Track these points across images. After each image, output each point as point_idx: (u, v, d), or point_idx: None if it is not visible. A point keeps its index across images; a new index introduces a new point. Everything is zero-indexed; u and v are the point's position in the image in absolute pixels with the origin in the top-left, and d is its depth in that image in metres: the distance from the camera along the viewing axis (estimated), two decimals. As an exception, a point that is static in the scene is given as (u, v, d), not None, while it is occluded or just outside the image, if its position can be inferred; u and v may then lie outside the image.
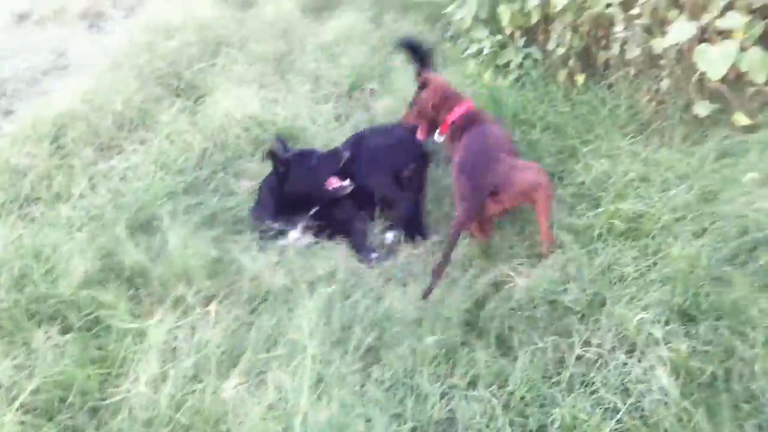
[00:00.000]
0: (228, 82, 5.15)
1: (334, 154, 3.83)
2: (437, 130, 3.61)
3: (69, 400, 2.59)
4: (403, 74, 4.89)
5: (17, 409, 2.51)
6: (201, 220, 3.67)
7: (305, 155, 3.83)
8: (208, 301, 3.08)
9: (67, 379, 2.64)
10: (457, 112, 3.55)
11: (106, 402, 2.61)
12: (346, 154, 3.78)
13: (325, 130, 4.47)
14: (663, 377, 2.30)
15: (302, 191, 3.75)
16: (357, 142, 3.98)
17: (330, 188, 3.76)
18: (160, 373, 2.61)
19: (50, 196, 3.95)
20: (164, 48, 5.63)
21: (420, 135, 3.66)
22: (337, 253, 3.45)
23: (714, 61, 3.45)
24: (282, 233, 3.67)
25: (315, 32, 6.07)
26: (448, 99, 3.60)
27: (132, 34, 6.14)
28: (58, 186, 4.00)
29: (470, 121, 3.49)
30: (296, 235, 3.69)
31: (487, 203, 3.13)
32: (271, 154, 3.71)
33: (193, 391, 2.57)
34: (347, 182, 3.76)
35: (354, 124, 4.56)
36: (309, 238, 3.68)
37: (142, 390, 2.53)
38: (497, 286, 3.05)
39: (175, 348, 2.78)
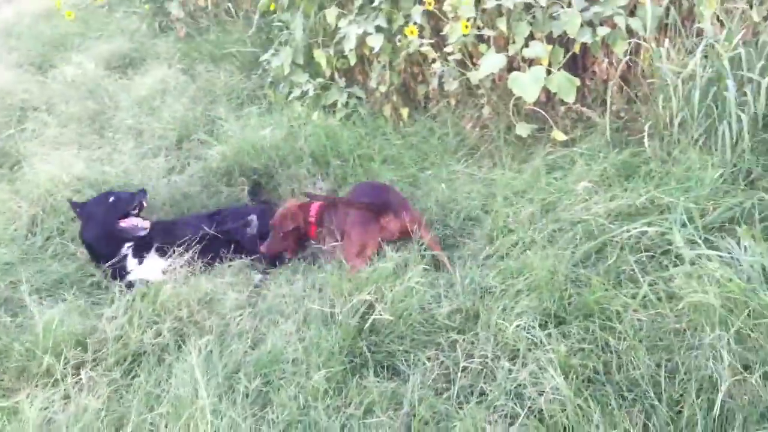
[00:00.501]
0: (43, 147, 4.92)
1: (130, 195, 3.92)
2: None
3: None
4: (230, 123, 4.89)
5: None
6: (48, 287, 3.47)
7: (102, 198, 3.93)
8: (77, 369, 2.90)
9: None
10: (314, 208, 3.79)
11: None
12: (142, 196, 3.90)
13: (162, 184, 4.36)
14: (554, 377, 2.46)
15: (98, 232, 3.80)
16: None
17: (125, 226, 3.81)
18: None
19: None
20: (-37, 118, 5.26)
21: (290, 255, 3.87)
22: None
23: (527, 86, 3.76)
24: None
25: (126, 88, 5.93)
26: (302, 206, 3.82)
27: None
28: None
29: (329, 206, 3.75)
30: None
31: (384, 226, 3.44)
32: (70, 203, 3.93)
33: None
34: (145, 223, 3.84)
35: (191, 173, 4.49)
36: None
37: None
38: (368, 313, 3.10)
39: (51, 420, 2.60)
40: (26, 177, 4.47)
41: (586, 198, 3.34)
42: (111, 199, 3.86)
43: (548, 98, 4.15)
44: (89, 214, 3.83)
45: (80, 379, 2.84)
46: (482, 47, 4.06)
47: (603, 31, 3.71)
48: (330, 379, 2.78)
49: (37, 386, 2.82)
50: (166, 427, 2.61)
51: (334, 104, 4.89)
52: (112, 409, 2.72)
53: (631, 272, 2.89)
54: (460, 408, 2.57)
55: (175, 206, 4.32)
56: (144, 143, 4.96)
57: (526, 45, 3.88)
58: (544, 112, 3.99)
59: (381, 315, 2.96)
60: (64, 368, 2.89)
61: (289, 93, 5.14)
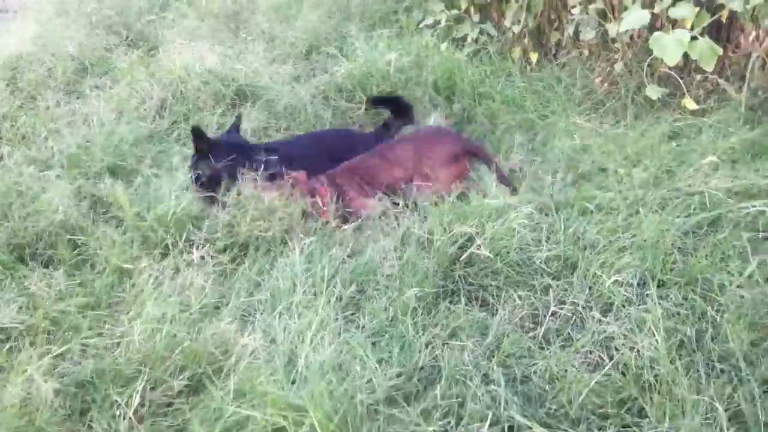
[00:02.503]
0: (179, 36, 5.09)
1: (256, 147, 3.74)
2: None
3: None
4: (360, 42, 4.94)
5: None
6: (169, 167, 3.66)
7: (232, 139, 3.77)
8: (189, 246, 3.09)
9: (60, 316, 2.63)
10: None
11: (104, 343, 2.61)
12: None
13: (287, 91, 4.48)
14: (652, 333, 2.47)
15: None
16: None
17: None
18: (153, 313, 2.62)
19: (15, 137, 3.84)
20: (112, -4, 5.50)
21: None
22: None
23: (668, 48, 3.64)
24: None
25: (264, -8, 6.04)
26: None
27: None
28: (23, 127, 3.89)
29: None
30: None
31: None
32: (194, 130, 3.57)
33: (188, 332, 2.59)
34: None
35: (315, 85, 4.59)
36: None
37: (138, 329, 2.54)
38: (467, 245, 3.15)
39: (161, 290, 2.79)
40: (161, 62, 4.67)
41: (708, 172, 3.26)
42: (240, 142, 3.77)
43: (685, 64, 4.03)
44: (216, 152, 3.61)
45: (192, 256, 3.00)
46: (627, 1, 3.96)
47: (756, 0, 3.55)
48: (421, 299, 2.86)
49: (153, 256, 3.00)
50: (261, 313, 2.75)
51: (464, 38, 4.88)
52: (216, 288, 2.89)
53: (742, 250, 2.84)
54: (543, 349, 2.62)
55: (295, 115, 4.43)
56: (274, 48, 5.08)
57: (673, 4, 3.75)
58: (678, 78, 3.88)
59: (479, 249, 3.00)
60: (176, 242, 3.06)
61: (422, 20, 5.14)
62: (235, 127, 3.82)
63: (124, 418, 2.30)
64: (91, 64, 4.67)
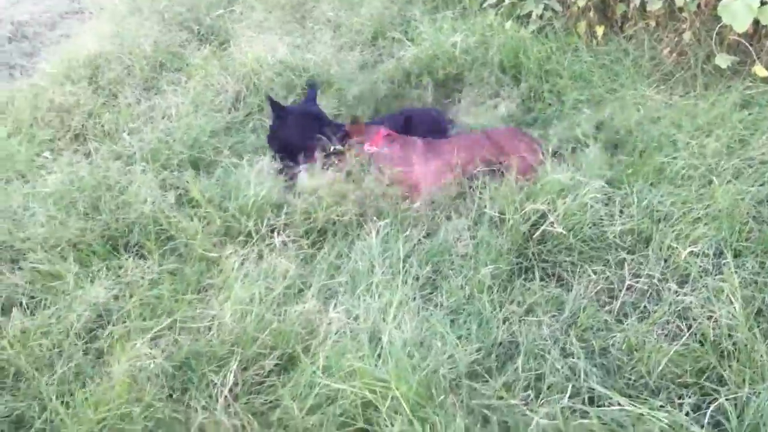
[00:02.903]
0: (249, 29, 5.22)
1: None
2: None
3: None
4: (424, 25, 5.00)
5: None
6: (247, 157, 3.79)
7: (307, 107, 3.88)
8: (271, 233, 3.22)
9: (155, 302, 2.81)
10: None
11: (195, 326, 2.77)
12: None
13: (355, 77, 4.58)
14: (731, 301, 2.49)
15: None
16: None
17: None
18: (241, 295, 2.76)
19: (100, 133, 4.05)
20: (182, -7, 5.68)
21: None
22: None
23: (738, 15, 3.60)
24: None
25: (328, -17, 6.13)
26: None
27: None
28: (107, 123, 4.10)
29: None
30: None
31: None
32: (269, 100, 3.75)
33: (276, 313, 2.72)
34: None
35: (383, 70, 4.68)
36: None
37: (228, 311, 2.68)
38: (540, 223, 3.19)
39: (247, 274, 2.92)
40: (233, 55, 4.82)
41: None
42: (315, 111, 3.83)
43: (755, 31, 3.97)
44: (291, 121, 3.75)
45: (273, 242, 3.13)
46: (695, -32, 3.93)
47: (828, -39, 3.49)
48: (496, 276, 2.93)
49: (236, 244, 3.15)
50: (343, 294, 2.87)
51: (528, 15, 4.87)
52: (298, 271, 3.01)
53: (820, 217, 2.83)
54: (620, 322, 2.66)
55: (364, 101, 4.52)
56: (341, 36, 5.18)
57: (742, -31, 3.70)
58: (748, 45, 3.83)
59: (552, 227, 3.04)
60: (259, 229, 3.20)
61: (485, 0, 5.17)
62: (311, 98, 3.93)
63: (219, 398, 2.45)
64: (166, 61, 4.83)
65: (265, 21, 5.37)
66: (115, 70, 4.64)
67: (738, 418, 2.16)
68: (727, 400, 2.21)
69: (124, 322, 2.74)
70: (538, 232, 3.08)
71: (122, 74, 4.63)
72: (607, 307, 2.76)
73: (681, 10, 4.18)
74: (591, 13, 4.72)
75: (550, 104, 4.20)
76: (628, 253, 2.95)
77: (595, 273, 2.89)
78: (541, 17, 4.85)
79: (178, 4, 5.54)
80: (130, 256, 3.10)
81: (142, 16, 5.40)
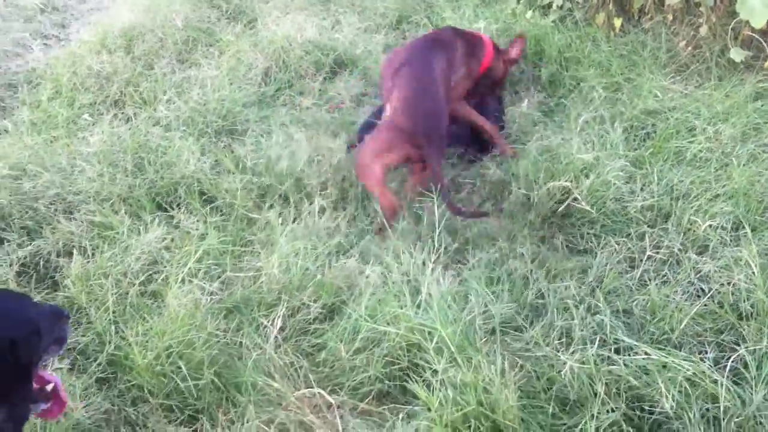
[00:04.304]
0: (275, 9, 5.37)
1: None
2: None
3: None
4: (447, 11, 5.16)
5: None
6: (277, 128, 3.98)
7: None
8: (306, 197, 3.39)
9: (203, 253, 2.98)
10: None
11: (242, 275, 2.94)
12: None
13: (382, 58, 4.72)
14: (745, 268, 2.67)
15: None
16: None
17: None
18: (286, 249, 2.93)
19: (138, 100, 4.20)
20: (210, -28, 5.81)
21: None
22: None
23: (756, 11, 3.76)
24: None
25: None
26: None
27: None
28: (145, 91, 4.25)
29: None
30: None
31: None
32: None
33: (319, 267, 2.89)
34: None
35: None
36: None
37: (274, 263, 2.85)
38: (564, 198, 3.36)
39: (291, 231, 3.09)
40: (261, 33, 4.97)
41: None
42: None
43: (768, 27, 4.14)
44: None
45: (313, 204, 3.31)
46: (712, -35, 4.09)
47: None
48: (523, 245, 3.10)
49: (274, 206, 3.34)
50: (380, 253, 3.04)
51: (549, 5, 5.04)
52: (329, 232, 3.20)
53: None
54: (643, 287, 2.83)
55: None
56: (366, 19, 5.32)
57: (759, -34, 3.87)
58: (762, 40, 4.00)
59: (576, 202, 3.21)
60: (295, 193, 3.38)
61: (506, -11, 5.33)
62: None
63: (270, 338, 2.61)
64: (198, 36, 4.98)
65: (290, 2, 5.51)
66: (150, 41, 4.79)
67: (757, 368, 2.33)
68: (746, 351, 2.38)
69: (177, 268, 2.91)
70: (562, 207, 3.26)
71: (156, 46, 4.78)
72: (629, 275, 2.92)
73: (698, 5, 4.34)
74: (610, 6, 4.89)
75: (570, 90, 4.36)
76: (649, 227, 3.12)
77: (617, 244, 3.05)
78: (561, 7, 5.02)
79: (206, -17, 5.67)
80: (178, 212, 3.26)
81: (172, -7, 5.53)
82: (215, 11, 5.41)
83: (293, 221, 3.23)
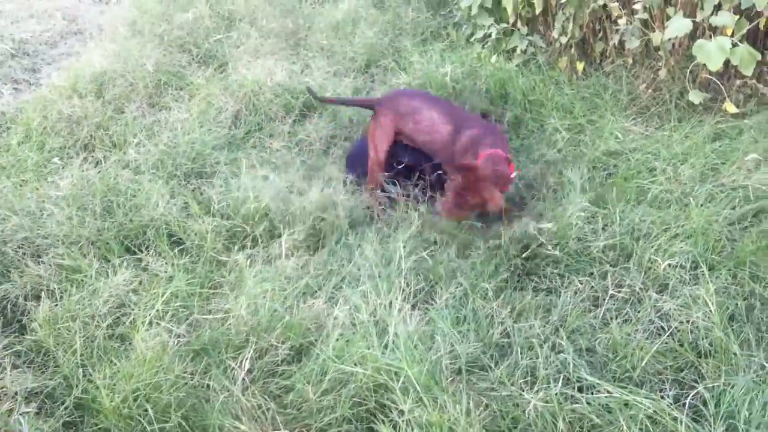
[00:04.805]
0: (246, 54, 5.45)
1: None
2: None
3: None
4: (414, 56, 5.27)
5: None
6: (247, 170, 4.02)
7: None
8: (271, 239, 3.45)
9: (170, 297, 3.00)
10: None
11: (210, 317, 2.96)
12: None
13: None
14: (703, 306, 2.74)
15: None
16: None
17: None
18: (255, 290, 2.96)
19: (108, 144, 4.23)
20: (180, 19, 5.88)
21: None
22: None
23: (711, 55, 3.89)
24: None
25: (320, 13, 6.39)
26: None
27: (141, 4, 6.33)
28: (115, 135, 4.29)
29: None
30: None
31: None
32: None
33: (287, 309, 2.92)
34: None
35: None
36: None
37: (243, 304, 2.88)
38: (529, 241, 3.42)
39: (258, 273, 3.12)
40: (231, 77, 5.04)
41: (750, 168, 3.52)
42: None
43: (726, 70, 4.28)
44: None
45: (280, 244, 3.35)
46: (669, 10, 4.23)
47: (791, 9, 3.79)
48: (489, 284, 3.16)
49: (243, 248, 3.37)
50: (348, 289, 3.07)
51: (513, 49, 5.17)
52: (305, 272, 3.23)
53: (786, 238, 3.10)
54: (605, 325, 2.89)
55: (359, 125, 4.76)
56: (335, 63, 5.41)
57: (714, 13, 4.01)
58: (719, 83, 4.13)
59: (544, 249, 3.29)
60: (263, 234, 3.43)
61: (472, 34, 5.46)
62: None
63: (236, 381, 2.63)
64: (168, 80, 5.03)
65: (261, 47, 5.58)
66: (120, 86, 4.83)
67: (715, 406, 2.39)
68: (705, 389, 2.44)
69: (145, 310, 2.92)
70: (527, 251, 3.33)
71: (127, 90, 4.82)
72: (592, 313, 2.99)
73: (657, 49, 4.48)
74: (572, 50, 5.02)
75: (533, 131, 4.46)
76: (611, 266, 3.20)
77: (581, 283, 3.12)
78: (525, 52, 5.15)
79: (177, 28, 5.73)
80: (146, 254, 3.28)
81: (142, 38, 5.59)
82: (186, 55, 5.47)
83: (262, 263, 3.26)
